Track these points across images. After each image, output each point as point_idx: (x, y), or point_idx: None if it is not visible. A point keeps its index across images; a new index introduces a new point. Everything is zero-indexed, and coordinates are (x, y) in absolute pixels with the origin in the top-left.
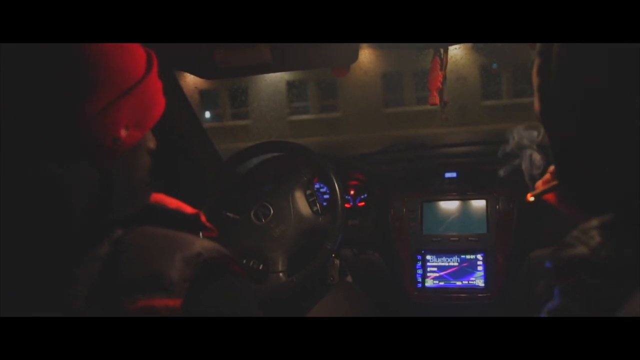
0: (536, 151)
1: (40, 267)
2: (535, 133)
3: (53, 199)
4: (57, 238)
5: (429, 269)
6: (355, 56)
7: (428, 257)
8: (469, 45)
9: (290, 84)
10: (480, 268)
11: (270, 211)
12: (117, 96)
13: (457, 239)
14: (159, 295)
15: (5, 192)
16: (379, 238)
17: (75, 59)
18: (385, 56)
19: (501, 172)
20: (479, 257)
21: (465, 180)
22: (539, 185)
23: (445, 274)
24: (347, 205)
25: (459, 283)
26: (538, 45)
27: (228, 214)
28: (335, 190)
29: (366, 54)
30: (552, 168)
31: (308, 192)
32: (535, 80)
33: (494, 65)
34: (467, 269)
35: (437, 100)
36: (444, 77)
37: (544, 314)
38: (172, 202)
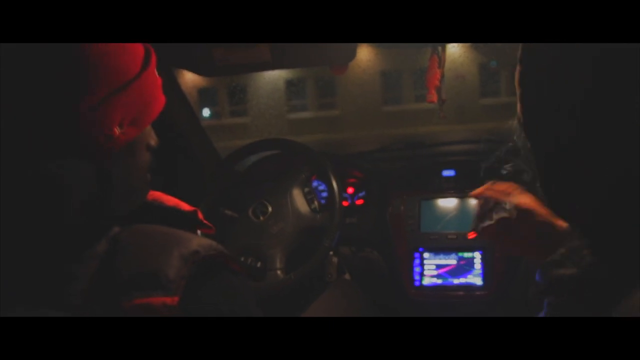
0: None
1: (37, 265)
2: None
3: (50, 196)
4: (54, 235)
5: (426, 267)
6: (353, 54)
7: (426, 255)
8: (467, 43)
9: (288, 82)
10: (478, 266)
11: (269, 209)
12: (110, 93)
13: (455, 237)
14: (156, 293)
15: (1, 190)
16: (377, 236)
17: (71, 56)
18: (384, 54)
19: (503, 170)
20: (477, 255)
21: (463, 178)
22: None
23: (443, 272)
24: (345, 203)
25: (456, 281)
26: (520, 51)
27: (226, 211)
28: (333, 188)
29: (365, 52)
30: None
31: (306, 189)
32: (517, 89)
33: (493, 63)
34: (465, 267)
35: (435, 97)
36: (442, 75)
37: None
38: (170, 200)
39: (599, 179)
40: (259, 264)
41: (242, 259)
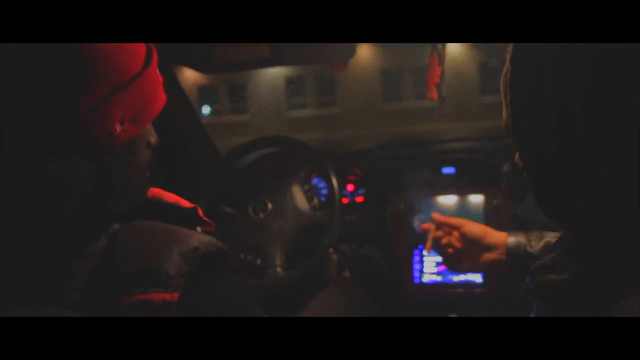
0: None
1: (37, 262)
2: None
3: (50, 196)
4: (54, 233)
5: (426, 265)
6: (352, 52)
7: (425, 252)
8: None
9: (288, 80)
10: None
11: (269, 206)
12: (111, 91)
13: None
14: (156, 290)
15: (1, 189)
16: (377, 233)
17: (71, 55)
18: (384, 52)
19: (505, 168)
20: None
21: (462, 176)
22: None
23: (443, 269)
24: (345, 201)
25: (456, 278)
26: (510, 51)
27: (226, 209)
28: (333, 186)
29: (365, 50)
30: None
31: (306, 187)
32: (506, 91)
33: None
34: None
35: (435, 95)
36: (442, 72)
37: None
38: (170, 197)
39: (599, 179)
40: (258, 262)
41: (242, 256)
